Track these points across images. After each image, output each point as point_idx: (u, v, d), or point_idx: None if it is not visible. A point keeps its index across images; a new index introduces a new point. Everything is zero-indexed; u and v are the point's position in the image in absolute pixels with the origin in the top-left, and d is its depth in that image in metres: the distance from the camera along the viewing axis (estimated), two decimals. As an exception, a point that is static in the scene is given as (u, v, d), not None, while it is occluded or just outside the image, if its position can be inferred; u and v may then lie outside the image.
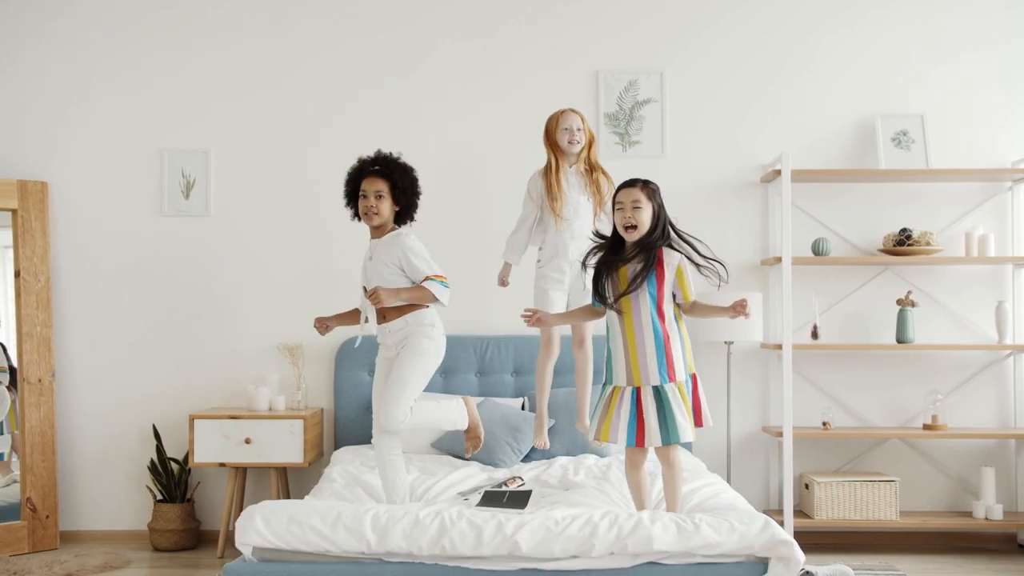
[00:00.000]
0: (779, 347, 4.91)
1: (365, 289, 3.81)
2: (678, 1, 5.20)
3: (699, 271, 3.54)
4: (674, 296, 3.51)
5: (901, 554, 4.88)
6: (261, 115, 5.20)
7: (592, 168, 4.07)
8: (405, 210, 3.86)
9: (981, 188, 5.16)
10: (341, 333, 5.11)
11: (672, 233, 3.53)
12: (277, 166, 5.20)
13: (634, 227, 3.45)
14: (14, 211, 4.98)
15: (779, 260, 4.91)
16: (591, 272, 3.60)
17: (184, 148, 5.18)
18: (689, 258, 3.50)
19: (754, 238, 5.18)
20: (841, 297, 5.15)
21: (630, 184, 3.51)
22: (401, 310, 3.76)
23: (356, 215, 3.92)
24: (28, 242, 5.00)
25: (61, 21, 5.20)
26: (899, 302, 4.97)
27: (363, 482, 4.06)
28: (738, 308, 3.45)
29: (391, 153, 3.87)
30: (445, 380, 5.02)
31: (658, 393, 3.41)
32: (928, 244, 4.90)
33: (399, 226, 3.86)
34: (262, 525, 3.18)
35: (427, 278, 3.72)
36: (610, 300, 3.47)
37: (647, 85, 5.17)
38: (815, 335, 4.99)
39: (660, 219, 3.49)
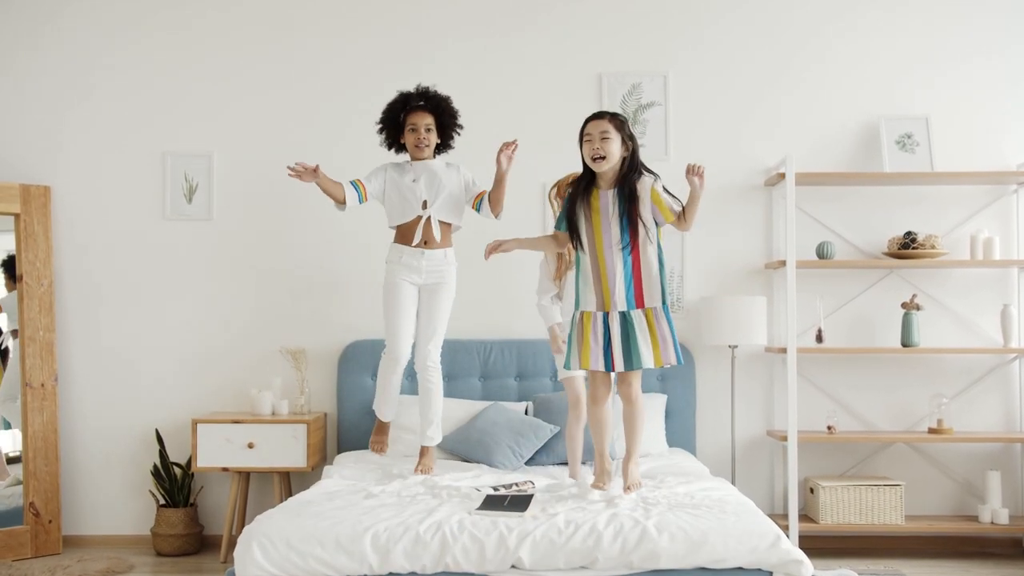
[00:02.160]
0: (784, 351, 4.89)
1: (425, 202, 4.03)
2: (682, 4, 5.19)
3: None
4: (656, 222, 3.50)
5: (907, 559, 4.86)
6: (264, 118, 5.19)
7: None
8: (444, 141, 4.15)
9: (986, 191, 5.15)
10: (344, 336, 5.11)
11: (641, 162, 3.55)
12: (280, 170, 5.16)
13: (603, 158, 3.46)
14: (17, 215, 4.97)
15: (783, 263, 4.89)
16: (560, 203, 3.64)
17: (187, 152, 5.18)
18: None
19: (758, 241, 5.16)
20: (846, 300, 5.13)
21: (598, 116, 3.53)
22: (446, 240, 4.04)
23: (389, 145, 4.13)
24: (31, 246, 4.99)
25: (63, 25, 5.20)
26: (904, 305, 4.95)
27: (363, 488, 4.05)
28: (691, 171, 3.47)
29: (430, 87, 4.11)
30: (449, 384, 5.00)
31: (624, 319, 3.41)
32: (933, 247, 4.89)
33: (435, 156, 4.14)
34: (260, 556, 3.14)
35: (482, 192, 4.08)
36: (581, 231, 3.49)
37: (651, 88, 5.16)
38: (820, 339, 4.98)
39: (631, 150, 3.50)
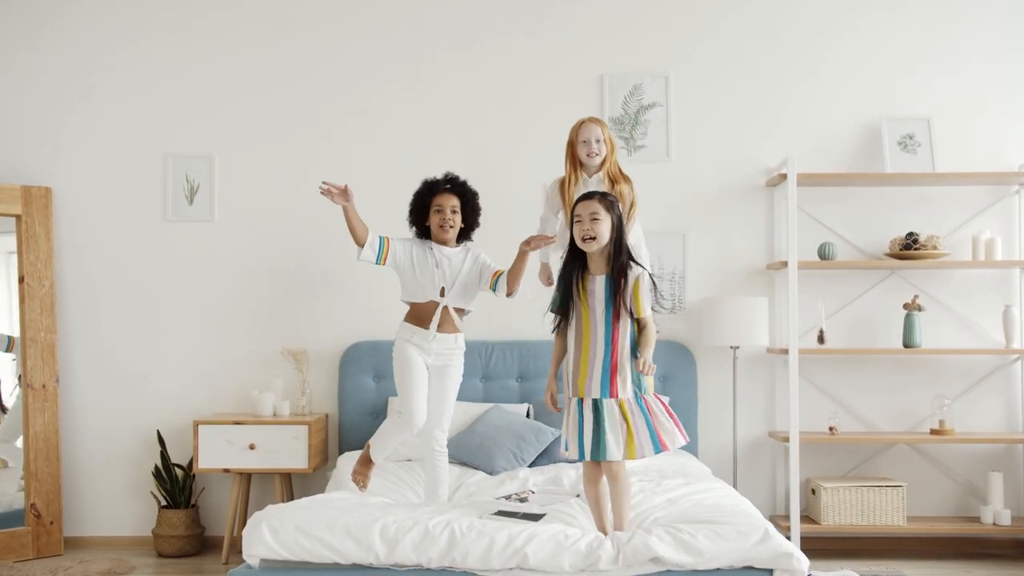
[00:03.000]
0: (785, 352, 4.89)
1: (443, 289, 4.02)
2: (683, 4, 5.19)
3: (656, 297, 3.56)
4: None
5: (908, 560, 4.86)
6: (265, 120, 5.19)
7: (614, 180, 4.13)
8: (466, 230, 4.14)
9: (988, 192, 5.14)
10: (346, 337, 5.11)
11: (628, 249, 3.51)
12: (281, 171, 5.19)
13: (592, 239, 3.45)
14: (18, 216, 4.97)
15: (785, 264, 4.89)
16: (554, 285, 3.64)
17: (188, 153, 5.18)
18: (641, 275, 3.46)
19: (760, 242, 5.16)
20: (847, 301, 5.13)
21: (587, 197, 3.52)
22: (455, 327, 4.03)
23: (418, 233, 4.12)
24: (32, 247, 4.99)
25: (64, 26, 5.20)
26: (906, 306, 4.95)
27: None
28: (646, 367, 3.38)
29: (458, 176, 4.13)
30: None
31: (596, 407, 3.39)
32: (935, 248, 4.88)
33: (457, 244, 4.15)
34: (270, 536, 3.17)
35: (498, 272, 4.08)
36: (571, 314, 3.49)
37: (652, 89, 5.16)
38: (821, 339, 4.97)
39: (619, 232, 3.48)
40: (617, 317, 3.44)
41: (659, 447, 3.42)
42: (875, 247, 5.12)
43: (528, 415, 4.82)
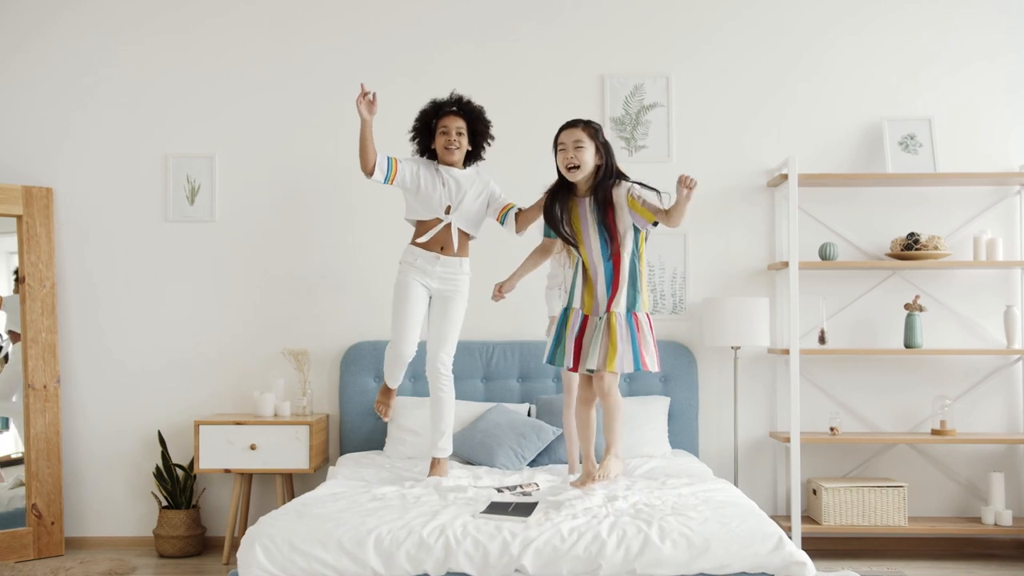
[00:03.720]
0: (786, 352, 4.89)
1: (448, 207, 4.02)
2: (684, 5, 5.19)
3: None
4: (637, 228, 3.50)
5: (910, 560, 4.85)
6: (266, 120, 5.19)
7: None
8: (475, 150, 4.13)
9: (989, 192, 5.14)
10: (347, 337, 5.11)
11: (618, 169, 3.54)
12: (282, 171, 5.19)
13: (576, 167, 3.45)
14: (19, 217, 4.97)
15: (786, 265, 4.89)
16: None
17: (189, 153, 5.18)
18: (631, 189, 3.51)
19: (761, 243, 5.16)
20: (849, 302, 5.12)
21: (571, 124, 3.52)
22: (463, 249, 4.04)
23: (422, 151, 4.13)
24: (33, 248, 4.99)
25: (65, 27, 5.20)
26: (907, 307, 4.95)
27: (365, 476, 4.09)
28: (682, 182, 3.41)
29: (463, 95, 4.12)
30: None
31: (596, 323, 3.47)
32: (936, 248, 4.88)
33: (465, 166, 4.13)
34: (263, 557, 3.14)
35: (509, 204, 4.09)
36: (566, 233, 3.53)
37: (653, 89, 5.16)
38: (822, 340, 4.97)
39: (605, 157, 3.48)
40: (612, 237, 3.44)
41: (639, 364, 3.44)
42: (876, 247, 5.12)
43: (529, 414, 4.82)
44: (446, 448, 4.11)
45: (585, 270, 3.52)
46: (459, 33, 5.19)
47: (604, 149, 3.50)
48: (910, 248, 4.89)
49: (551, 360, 3.64)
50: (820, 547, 4.94)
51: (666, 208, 3.51)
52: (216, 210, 5.17)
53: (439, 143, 4.06)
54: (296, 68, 5.20)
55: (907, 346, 4.93)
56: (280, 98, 5.20)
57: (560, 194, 3.62)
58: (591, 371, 3.55)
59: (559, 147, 3.50)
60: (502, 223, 4.11)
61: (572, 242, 3.59)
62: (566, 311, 3.62)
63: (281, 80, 5.20)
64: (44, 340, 4.98)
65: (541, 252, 3.91)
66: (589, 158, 3.45)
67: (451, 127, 4.04)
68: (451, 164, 4.07)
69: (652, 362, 3.53)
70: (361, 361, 5.02)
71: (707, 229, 5.14)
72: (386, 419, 4.30)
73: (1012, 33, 5.16)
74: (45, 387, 4.97)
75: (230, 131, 5.19)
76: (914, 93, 5.16)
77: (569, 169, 3.45)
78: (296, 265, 5.17)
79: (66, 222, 5.16)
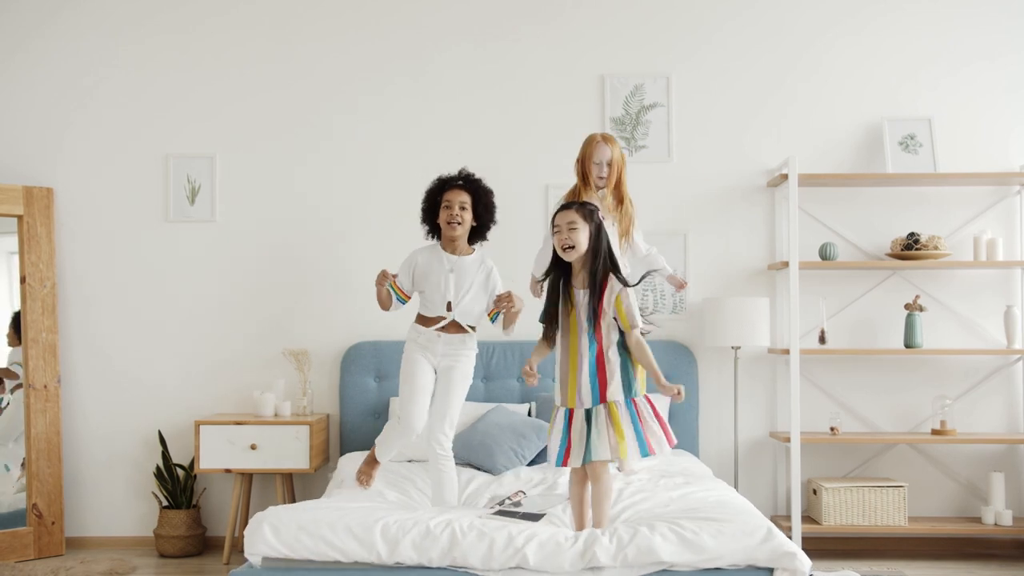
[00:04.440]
0: (786, 352, 4.89)
1: (450, 304, 3.95)
2: (685, 5, 5.19)
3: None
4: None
5: (910, 560, 4.86)
6: (266, 120, 5.19)
7: (621, 199, 4.18)
8: (480, 228, 4.06)
9: (989, 192, 5.14)
10: (347, 337, 5.11)
11: (612, 259, 3.53)
12: (282, 171, 5.20)
13: (571, 247, 3.47)
14: (20, 217, 4.98)
15: (786, 265, 4.89)
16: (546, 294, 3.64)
17: (189, 153, 5.18)
18: (626, 284, 3.49)
19: (761, 243, 5.16)
20: (849, 302, 5.13)
21: (566, 207, 3.54)
22: (465, 327, 3.96)
23: (431, 232, 4.08)
24: (34, 248, 4.99)
25: (65, 27, 5.20)
26: (907, 307, 4.95)
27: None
28: (675, 394, 3.44)
29: (472, 173, 4.06)
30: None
31: (588, 416, 3.43)
32: (936, 248, 4.88)
33: (470, 245, 4.07)
34: (271, 535, 3.18)
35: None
36: (556, 324, 3.52)
37: (653, 89, 5.16)
38: (823, 340, 4.97)
39: (599, 240, 3.49)
40: (599, 326, 3.46)
41: (646, 451, 3.44)
42: (876, 247, 5.12)
43: (529, 414, 4.82)
44: None
45: (568, 362, 3.50)
46: (459, 33, 5.20)
47: (598, 232, 3.52)
48: (910, 248, 4.89)
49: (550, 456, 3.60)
50: (820, 547, 4.94)
51: (638, 328, 3.52)
52: (216, 210, 5.17)
53: (442, 217, 3.99)
54: (296, 68, 5.20)
55: (907, 346, 4.93)
56: (280, 98, 5.20)
57: (558, 283, 3.60)
58: (584, 462, 3.50)
59: (554, 229, 3.53)
60: (492, 322, 4.02)
61: (562, 329, 3.55)
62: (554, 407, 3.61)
63: (281, 80, 5.20)
64: (44, 340, 4.98)
65: (545, 344, 3.80)
66: (584, 239, 3.49)
67: (454, 201, 3.97)
68: (453, 239, 3.99)
69: (660, 446, 3.49)
70: (361, 361, 5.02)
71: (707, 229, 5.14)
72: (367, 487, 4.05)
73: (1012, 33, 5.16)
74: (45, 387, 4.97)
75: (230, 131, 5.19)
76: (914, 93, 5.16)
77: (564, 249, 3.49)
78: (296, 265, 5.17)
79: (67, 222, 5.17)
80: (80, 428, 5.13)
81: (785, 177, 4.90)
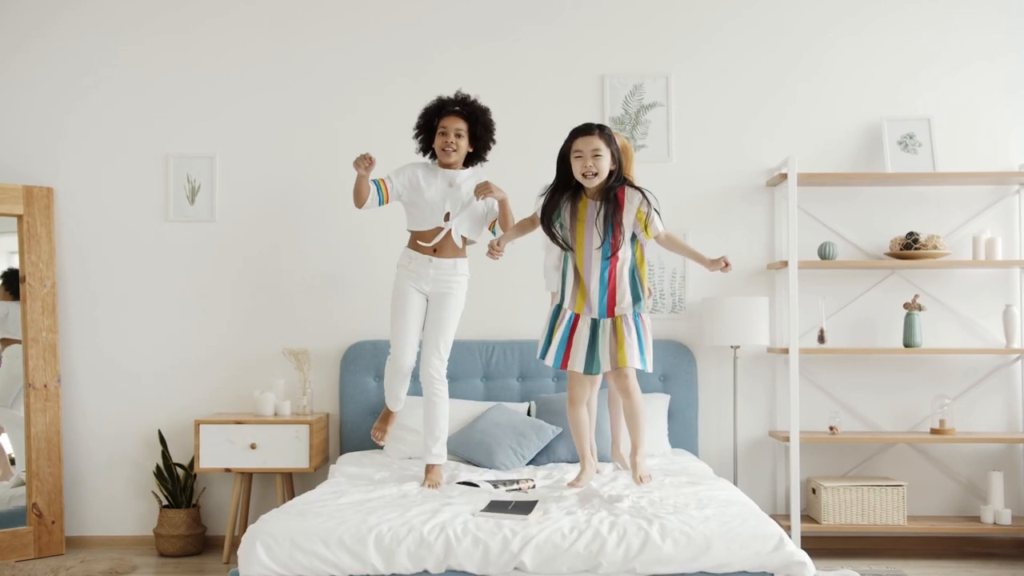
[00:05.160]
0: (786, 351, 4.89)
1: (448, 214, 3.95)
2: (684, 5, 5.19)
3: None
4: (634, 235, 3.54)
5: (909, 559, 4.86)
6: (266, 120, 5.20)
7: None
8: (477, 152, 4.06)
9: (988, 191, 5.14)
10: (347, 337, 5.11)
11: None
12: (282, 171, 5.20)
13: (595, 175, 3.49)
14: (20, 216, 4.98)
15: (786, 264, 4.90)
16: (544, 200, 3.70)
17: (189, 153, 5.18)
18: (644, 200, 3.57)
19: (760, 242, 5.16)
20: (848, 301, 5.13)
21: (586, 131, 3.54)
22: (456, 252, 3.97)
23: (424, 149, 4.07)
24: (34, 247, 5.00)
25: (65, 26, 5.21)
26: (906, 306, 4.95)
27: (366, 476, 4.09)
28: (723, 264, 3.54)
29: (469, 95, 4.04)
30: (451, 385, 4.98)
31: (594, 326, 3.51)
32: (935, 248, 4.89)
33: (466, 167, 4.06)
34: (264, 555, 3.15)
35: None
36: (562, 233, 3.57)
37: (653, 89, 5.16)
38: (822, 339, 4.98)
39: (618, 164, 3.53)
40: (614, 238, 3.48)
41: (645, 363, 3.50)
42: (875, 247, 5.12)
43: (529, 413, 4.82)
44: (440, 455, 3.99)
45: (577, 271, 3.55)
46: (459, 33, 5.20)
47: (617, 155, 3.55)
48: (909, 247, 4.90)
49: (543, 356, 3.66)
50: (819, 546, 4.94)
51: (666, 236, 3.61)
52: (216, 210, 5.18)
53: (437, 143, 4.00)
54: (296, 68, 5.20)
55: (906, 345, 4.93)
56: (280, 98, 5.20)
57: (564, 193, 3.62)
58: (587, 372, 3.57)
59: (575, 154, 3.52)
60: (493, 233, 4.06)
61: (566, 243, 3.62)
62: (558, 307, 3.65)
63: (281, 80, 5.21)
64: (44, 340, 4.99)
65: (531, 223, 3.86)
66: (606, 165, 3.51)
67: (450, 128, 3.98)
68: (449, 166, 4.01)
69: (650, 362, 3.63)
70: (361, 360, 5.03)
71: (707, 229, 5.14)
72: (381, 444, 4.11)
73: (1012, 33, 5.17)
74: (46, 386, 4.97)
75: (230, 131, 5.20)
76: (914, 93, 5.16)
77: (586, 176, 3.49)
78: (296, 264, 5.17)
79: (67, 222, 5.17)
80: (80, 427, 5.13)
81: (784, 177, 4.91)
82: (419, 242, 3.99)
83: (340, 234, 5.16)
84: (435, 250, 3.96)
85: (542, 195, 4.14)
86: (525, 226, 3.86)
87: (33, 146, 5.19)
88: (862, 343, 5.12)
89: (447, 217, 3.94)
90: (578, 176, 3.52)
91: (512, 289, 5.06)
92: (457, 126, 3.97)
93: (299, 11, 5.22)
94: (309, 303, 5.16)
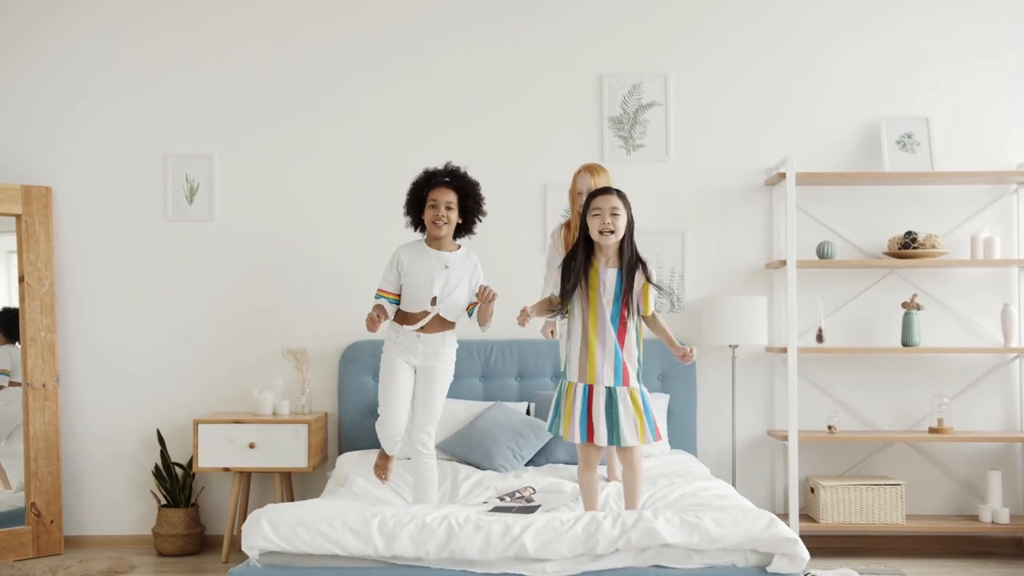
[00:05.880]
0: (784, 351, 4.90)
1: (435, 299, 3.89)
2: (683, 5, 5.20)
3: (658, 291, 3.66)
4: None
5: (907, 558, 4.86)
6: (265, 120, 5.20)
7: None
8: (466, 224, 4.00)
9: (986, 191, 5.15)
10: (345, 336, 5.11)
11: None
12: (281, 171, 5.20)
13: (612, 232, 3.51)
14: (18, 216, 4.98)
15: (784, 263, 4.90)
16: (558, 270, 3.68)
17: (188, 153, 5.18)
18: (648, 277, 3.59)
19: (759, 241, 5.17)
20: (846, 300, 5.14)
21: (606, 192, 3.57)
22: (444, 325, 3.91)
23: (414, 224, 4.01)
24: (32, 247, 5.00)
25: (64, 26, 5.21)
26: (904, 305, 4.96)
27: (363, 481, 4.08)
28: (686, 355, 3.59)
29: (459, 167, 3.98)
30: (450, 385, 5.01)
31: (609, 394, 3.50)
32: (933, 247, 4.89)
33: (455, 239, 4.01)
34: (268, 529, 3.18)
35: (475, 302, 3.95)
36: (575, 302, 3.56)
37: (651, 88, 5.17)
38: (820, 338, 4.98)
39: (631, 226, 3.57)
40: (627, 310, 3.52)
41: (655, 435, 3.55)
42: (874, 246, 5.13)
43: (528, 413, 4.82)
44: None
45: (587, 341, 3.55)
46: (459, 33, 5.20)
47: (631, 220, 3.59)
48: (908, 247, 4.91)
49: (553, 430, 3.64)
50: (818, 545, 4.95)
51: (655, 316, 3.66)
52: (215, 209, 5.18)
53: (427, 216, 3.91)
54: (296, 68, 5.20)
55: (905, 345, 4.94)
56: (279, 98, 5.20)
57: (578, 258, 3.62)
58: (611, 444, 3.57)
59: (593, 212, 3.54)
60: (470, 315, 3.98)
61: (576, 312, 3.60)
62: (562, 383, 3.64)
63: (281, 80, 5.21)
64: (43, 339, 4.99)
65: (548, 305, 3.77)
66: (623, 225, 3.55)
67: (440, 201, 3.87)
68: (439, 239, 3.93)
69: (658, 431, 3.63)
70: (360, 360, 5.03)
71: (705, 228, 5.15)
72: (384, 482, 4.10)
73: (1010, 32, 5.18)
74: (44, 386, 4.97)
75: (229, 131, 5.20)
76: (911, 92, 5.17)
77: (603, 233, 3.52)
78: (295, 264, 5.17)
79: (65, 221, 5.17)
80: (79, 427, 5.13)
81: (783, 176, 4.91)
82: (404, 318, 3.94)
83: (339, 234, 5.16)
84: (422, 328, 3.90)
85: (555, 238, 4.16)
86: (543, 308, 3.74)
87: (32, 145, 5.19)
88: (861, 342, 5.12)
89: (434, 301, 3.88)
90: (595, 234, 3.54)
91: (511, 288, 5.04)
92: (448, 199, 3.88)
93: (299, 11, 5.22)
94: (308, 302, 5.16)
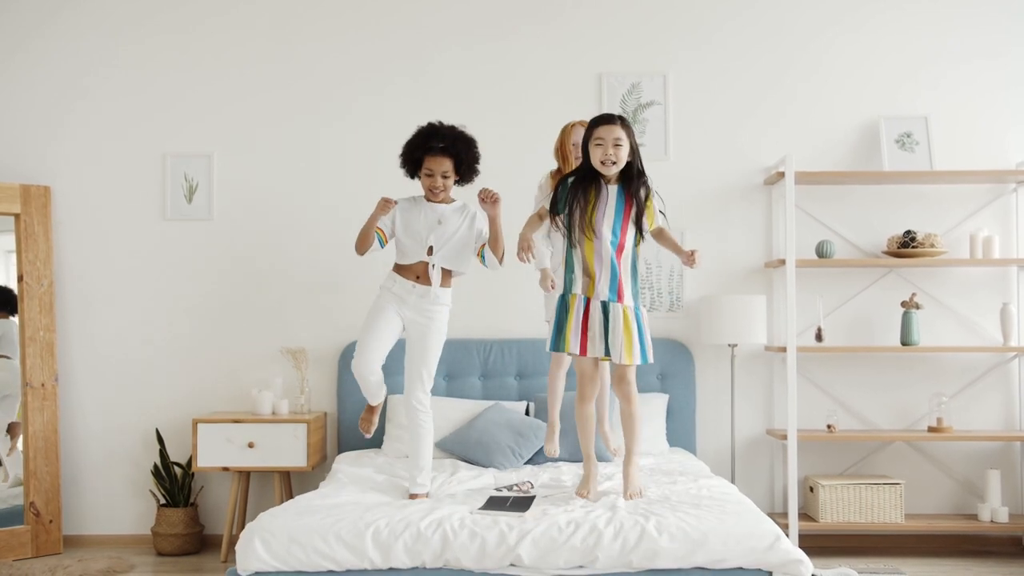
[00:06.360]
0: (783, 350, 4.90)
1: (431, 248, 3.91)
2: (683, 5, 5.20)
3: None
4: (639, 227, 3.58)
5: (906, 557, 4.86)
6: (264, 119, 5.20)
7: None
8: (463, 179, 4.01)
9: (986, 190, 5.15)
10: (344, 335, 5.11)
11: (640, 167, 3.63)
12: (280, 170, 5.20)
13: (614, 163, 3.51)
14: (17, 215, 4.98)
15: (783, 263, 4.90)
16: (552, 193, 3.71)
17: (187, 152, 5.19)
18: (650, 193, 3.62)
19: (758, 241, 5.17)
20: (845, 299, 5.14)
21: (609, 120, 3.55)
22: (444, 280, 3.92)
23: (410, 175, 4.02)
24: (31, 246, 5.00)
25: (64, 25, 5.21)
26: (904, 304, 4.96)
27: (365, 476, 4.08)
28: (692, 256, 3.58)
29: (455, 126, 3.97)
30: (449, 383, 5.02)
31: (605, 309, 3.52)
32: (932, 246, 4.89)
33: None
34: (262, 549, 3.17)
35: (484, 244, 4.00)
36: (565, 220, 3.58)
37: (650, 87, 5.17)
38: (819, 338, 4.98)
39: (636, 154, 3.57)
40: (626, 228, 3.52)
41: (646, 357, 3.57)
42: (873, 245, 5.13)
43: (528, 412, 4.82)
44: (424, 484, 3.88)
45: (585, 259, 3.56)
46: (459, 33, 5.21)
47: (635, 146, 3.59)
48: (907, 246, 4.91)
49: (554, 347, 3.65)
50: (817, 544, 4.95)
51: (661, 230, 3.68)
52: (214, 209, 5.18)
53: (424, 183, 3.93)
54: (296, 68, 5.21)
55: (904, 344, 4.94)
56: (278, 97, 5.21)
57: (578, 180, 3.63)
58: (606, 356, 3.60)
59: (596, 141, 3.53)
60: (483, 262, 3.99)
61: (575, 229, 3.60)
62: (563, 297, 3.64)
63: (280, 80, 5.21)
64: (42, 339, 4.99)
65: (539, 218, 3.84)
66: (625, 155, 3.53)
67: (436, 171, 3.88)
68: (436, 200, 3.96)
69: (651, 354, 3.65)
70: (359, 359, 5.02)
71: (704, 227, 5.15)
72: (368, 435, 4.16)
73: (1010, 32, 5.18)
74: (43, 385, 4.97)
75: (229, 130, 5.20)
76: (910, 91, 5.18)
77: (605, 164, 3.51)
78: (294, 263, 5.17)
79: (64, 220, 5.17)
80: (78, 426, 5.13)
81: (782, 175, 4.91)
82: (403, 270, 3.96)
83: (338, 233, 5.15)
84: (418, 277, 3.91)
85: (543, 185, 4.16)
86: (535, 223, 3.83)
87: (30, 145, 5.19)
88: (860, 341, 5.12)
89: (430, 251, 3.90)
90: (596, 164, 3.54)
91: (510, 287, 5.05)
92: (444, 168, 3.88)
93: (299, 11, 5.22)
94: (307, 302, 5.16)
